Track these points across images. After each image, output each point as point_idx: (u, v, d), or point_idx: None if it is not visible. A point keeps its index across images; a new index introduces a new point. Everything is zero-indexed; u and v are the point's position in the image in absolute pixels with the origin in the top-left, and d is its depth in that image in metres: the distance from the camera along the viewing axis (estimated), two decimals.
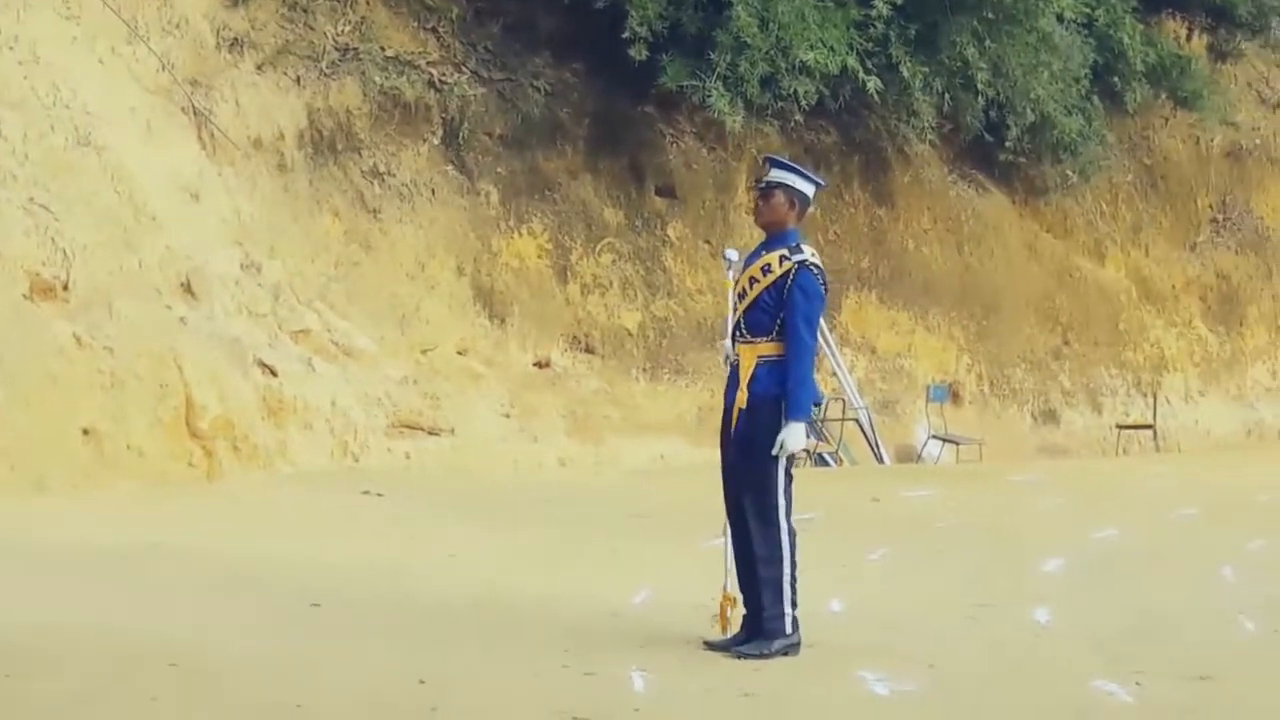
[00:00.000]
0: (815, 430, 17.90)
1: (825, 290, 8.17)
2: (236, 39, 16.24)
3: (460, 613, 8.86)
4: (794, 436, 7.96)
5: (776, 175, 8.27)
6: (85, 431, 12.94)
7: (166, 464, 13.37)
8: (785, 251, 8.10)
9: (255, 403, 14.27)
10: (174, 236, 14.60)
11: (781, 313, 8.02)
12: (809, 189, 8.30)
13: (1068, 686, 7.57)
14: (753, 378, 8.06)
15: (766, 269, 8.12)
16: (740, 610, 8.15)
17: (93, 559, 9.87)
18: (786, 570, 7.97)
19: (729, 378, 8.23)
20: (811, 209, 8.61)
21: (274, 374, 14.57)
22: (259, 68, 16.32)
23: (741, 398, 8.07)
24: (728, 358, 8.33)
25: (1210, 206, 24.03)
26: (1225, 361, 23.36)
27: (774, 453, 7.93)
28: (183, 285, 14.46)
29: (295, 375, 14.79)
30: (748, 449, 8.02)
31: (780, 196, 8.21)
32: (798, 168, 8.45)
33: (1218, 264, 23.73)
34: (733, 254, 8.59)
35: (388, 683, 7.18)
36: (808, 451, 16.85)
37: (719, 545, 8.28)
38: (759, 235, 8.42)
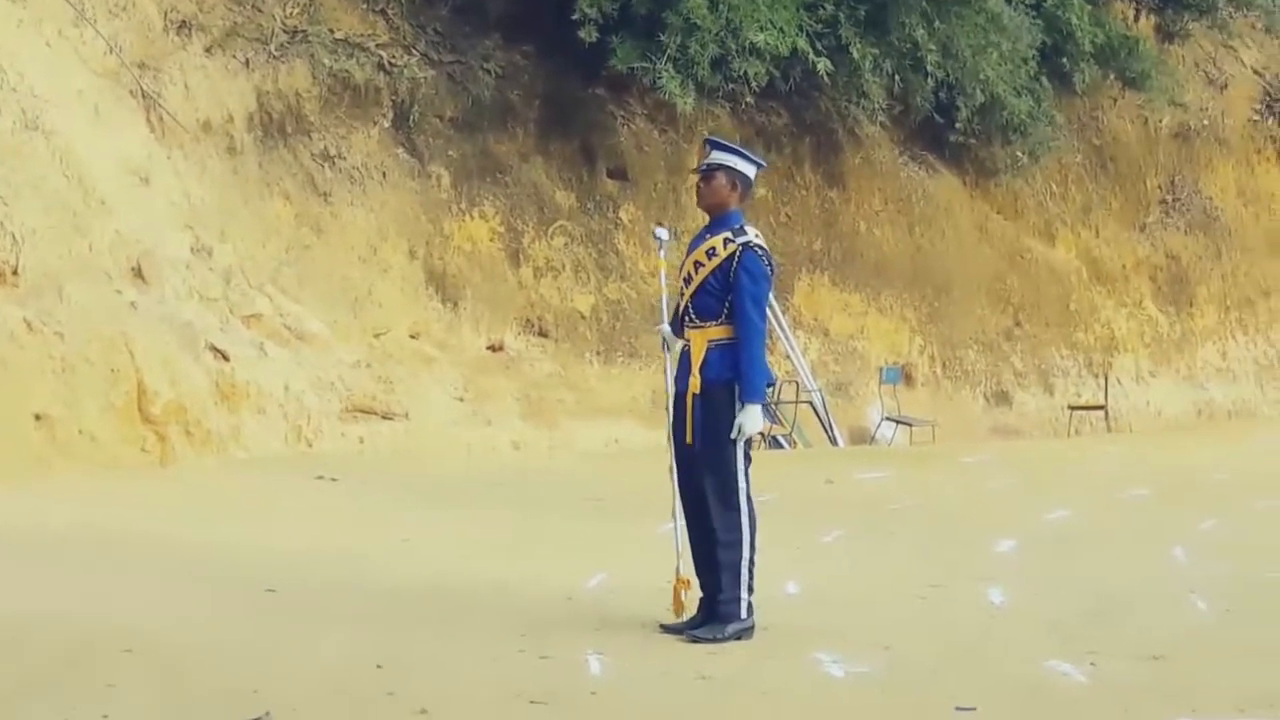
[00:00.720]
0: (769, 413, 17.91)
1: (771, 271, 8.15)
2: (185, 21, 16.16)
3: (416, 597, 8.84)
4: (751, 419, 7.95)
5: (717, 157, 8.25)
6: (37, 417, 12.86)
7: (119, 449, 13.30)
8: (729, 234, 8.09)
9: (208, 387, 14.21)
10: (124, 220, 14.52)
11: (729, 296, 8.01)
12: (750, 170, 8.28)
13: (1022, 667, 7.60)
14: (704, 363, 8.05)
15: (711, 252, 8.10)
16: (696, 593, 8.15)
17: (45, 545, 9.83)
18: (746, 554, 7.97)
19: (679, 363, 8.22)
20: (754, 190, 8.60)
21: (226, 358, 14.52)
22: (207, 50, 16.24)
23: (695, 383, 8.06)
24: (665, 342, 8.34)
25: (1159, 187, 24.14)
26: (1175, 342, 23.48)
27: (732, 437, 7.93)
28: (133, 269, 14.38)
29: (247, 360, 14.73)
30: (706, 434, 8.01)
31: (722, 178, 8.19)
32: (738, 149, 8.44)
33: (1167, 244, 23.84)
34: (663, 233, 8.60)
35: (344, 667, 7.16)
36: (762, 434, 16.86)
37: (673, 529, 8.28)
38: (704, 218, 8.40)
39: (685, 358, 8.17)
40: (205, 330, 14.56)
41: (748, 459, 8.04)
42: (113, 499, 11.83)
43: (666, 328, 8.35)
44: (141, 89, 15.42)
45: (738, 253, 8.03)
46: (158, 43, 15.87)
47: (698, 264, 8.13)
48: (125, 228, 14.48)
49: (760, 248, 8.09)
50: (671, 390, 8.25)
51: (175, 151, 15.50)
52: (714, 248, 8.11)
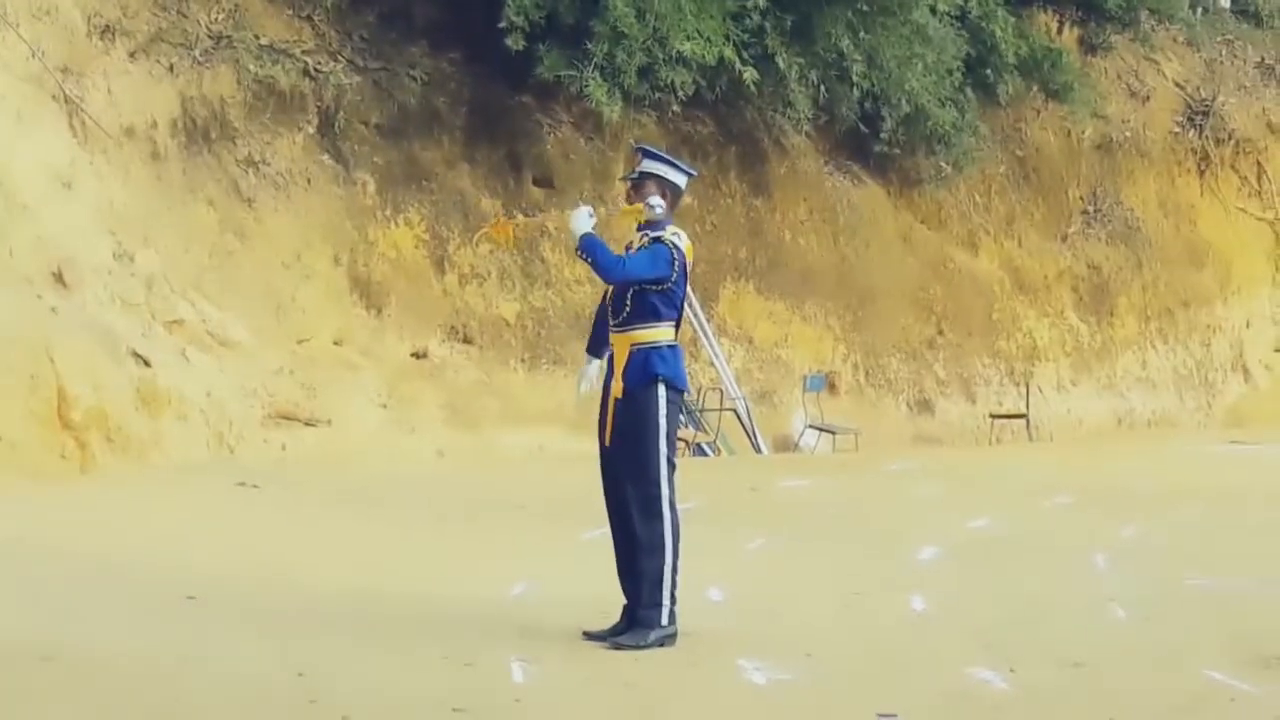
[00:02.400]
0: (694, 420, 17.96)
1: (674, 268, 8.06)
2: (108, 26, 16.05)
3: (338, 605, 8.82)
4: (575, 218, 8.17)
5: (648, 165, 8.27)
6: None
7: (39, 456, 13.17)
8: (648, 230, 8.11)
9: (129, 394, 14.11)
10: (45, 225, 14.41)
11: (648, 297, 8.03)
12: (681, 179, 8.30)
13: (943, 674, 7.65)
14: (627, 366, 8.06)
15: (628, 249, 8.15)
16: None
17: None
18: (669, 561, 7.97)
19: (606, 367, 8.22)
20: (684, 197, 8.60)
21: (148, 364, 14.42)
22: (131, 55, 16.14)
23: (617, 387, 8.07)
24: (584, 375, 8.36)
25: (1081, 199, 24.29)
26: (1096, 351, 23.63)
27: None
28: (54, 275, 14.28)
29: (169, 366, 14.65)
30: (627, 438, 8.01)
31: (651, 186, 8.20)
32: (669, 158, 8.45)
33: (1089, 255, 24.00)
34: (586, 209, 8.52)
35: (266, 675, 7.13)
36: (685, 441, 16.89)
37: (598, 537, 8.28)
38: (633, 228, 8.40)
39: (610, 361, 8.18)
40: (127, 336, 14.46)
41: (671, 465, 8.05)
42: (31, 506, 11.71)
43: (589, 369, 8.37)
44: (64, 94, 15.31)
45: (647, 244, 8.06)
46: (81, 47, 15.76)
47: None
48: (47, 233, 14.38)
49: (672, 244, 8.06)
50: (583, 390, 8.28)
51: (98, 156, 15.40)
52: (631, 243, 8.16)
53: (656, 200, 8.14)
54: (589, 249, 8.03)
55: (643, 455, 8.00)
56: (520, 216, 8.45)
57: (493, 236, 8.25)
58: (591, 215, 8.17)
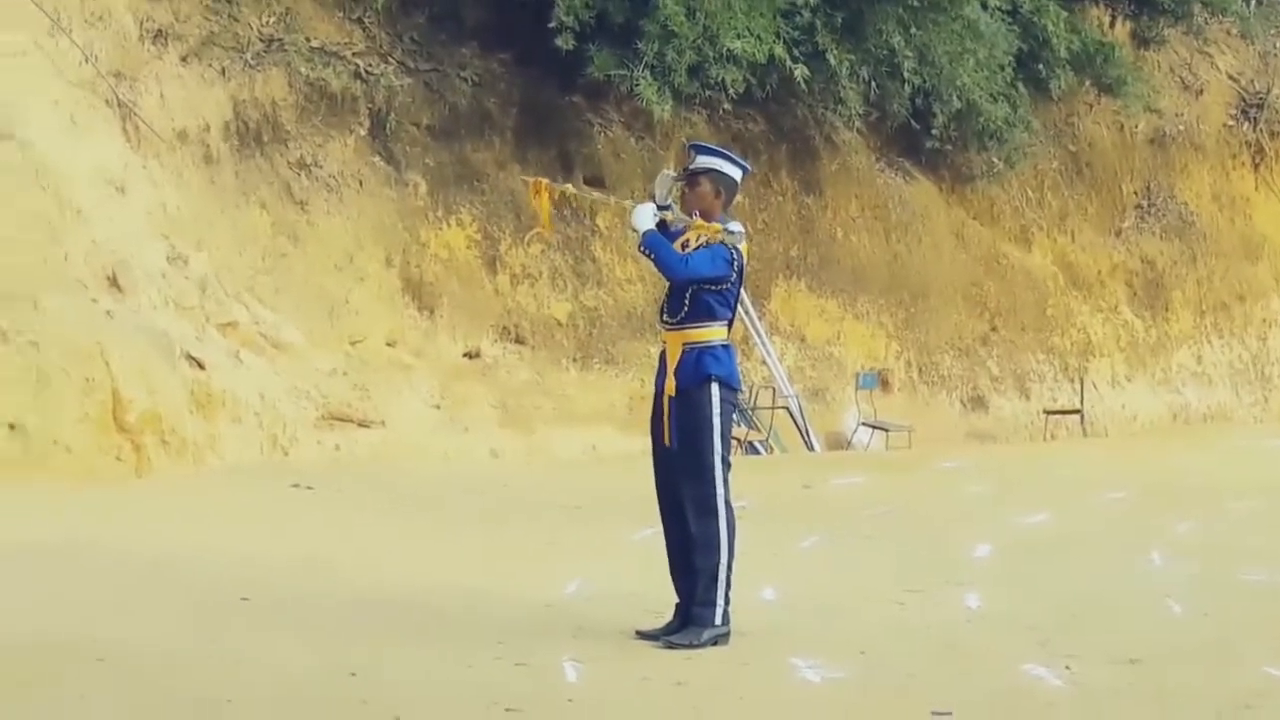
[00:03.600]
0: (746, 418, 17.93)
1: (733, 269, 8.03)
2: (160, 31, 16.11)
3: (391, 605, 8.83)
4: (636, 215, 8.10)
5: (703, 161, 8.22)
6: (11, 427, 12.81)
7: (94, 459, 13.23)
8: (703, 225, 8.07)
9: (183, 396, 14.16)
10: (99, 230, 14.47)
11: (706, 297, 8.01)
12: (736, 174, 8.26)
13: (999, 672, 7.62)
14: (679, 365, 8.05)
15: (685, 246, 8.10)
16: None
17: (19, 556, 9.77)
18: (723, 559, 7.96)
19: (658, 365, 8.22)
20: (739, 196, 8.57)
21: (202, 367, 14.48)
22: (183, 59, 16.21)
23: (670, 385, 8.06)
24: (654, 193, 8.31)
25: (1135, 193, 24.17)
26: (1151, 347, 23.52)
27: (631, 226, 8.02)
28: (109, 279, 14.33)
29: (223, 368, 14.70)
30: (682, 438, 8.00)
31: (706, 184, 8.16)
32: (724, 151, 8.41)
33: (1143, 250, 23.88)
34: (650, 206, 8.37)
35: (318, 676, 7.15)
36: (738, 440, 16.87)
37: (650, 536, 8.27)
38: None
39: (662, 360, 8.17)
40: (181, 339, 14.51)
41: (727, 465, 8.03)
42: (87, 509, 11.78)
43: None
44: (117, 98, 15.38)
45: (708, 243, 8.03)
46: (133, 52, 15.83)
47: None
48: (101, 237, 14.44)
49: (733, 247, 8.03)
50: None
51: (151, 161, 15.46)
52: (688, 241, 8.11)
53: (736, 226, 8.10)
54: (653, 246, 8.01)
55: (697, 454, 7.98)
56: (569, 186, 8.41)
57: (534, 201, 8.24)
58: (656, 214, 8.13)
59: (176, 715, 6.52)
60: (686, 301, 8.04)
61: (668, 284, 8.15)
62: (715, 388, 8.00)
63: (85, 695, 6.68)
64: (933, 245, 21.51)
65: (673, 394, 8.04)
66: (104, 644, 7.42)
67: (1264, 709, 6.96)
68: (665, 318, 8.14)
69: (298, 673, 7.20)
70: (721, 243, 7.99)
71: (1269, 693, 7.23)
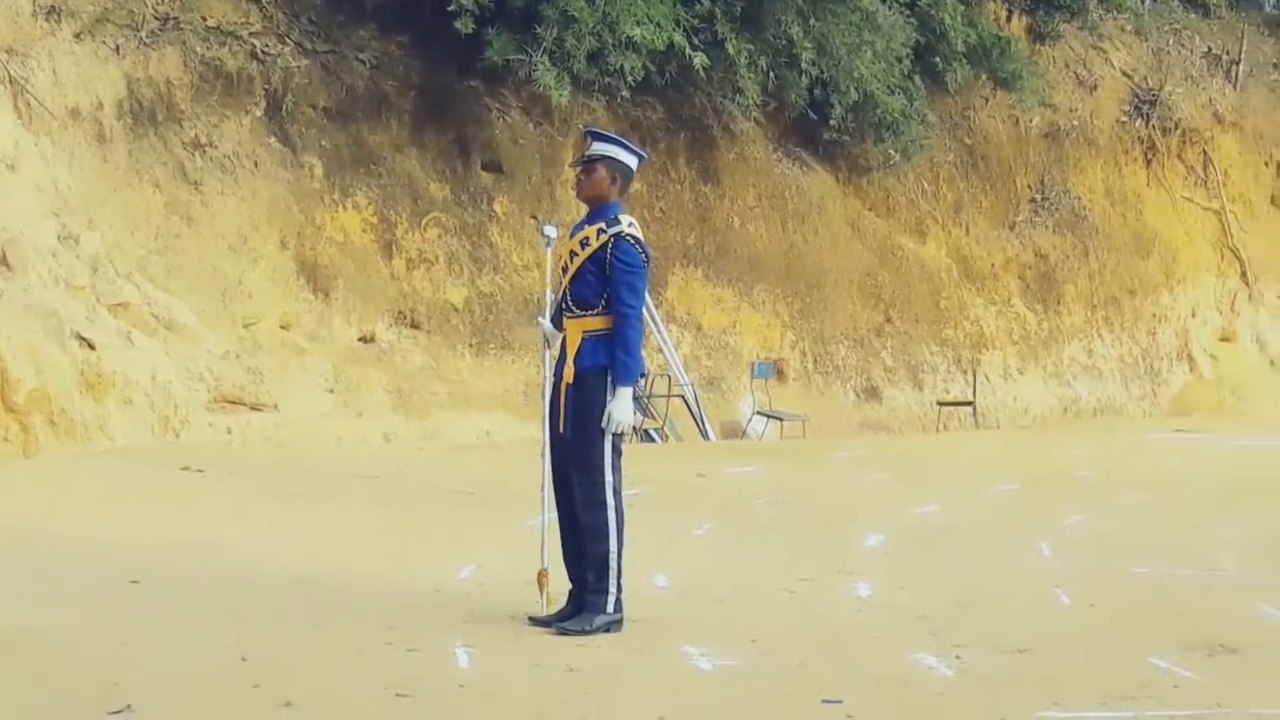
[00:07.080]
0: (641, 406, 17.93)
1: (646, 260, 8.10)
2: (54, 7, 15.94)
3: (283, 590, 8.77)
4: (621, 406, 7.90)
5: (599, 148, 8.22)
6: None
7: None
8: (603, 225, 8.06)
9: (73, 377, 14.02)
10: None
11: (605, 287, 7.99)
12: (632, 161, 8.27)
13: (889, 660, 7.65)
14: (579, 352, 8.03)
15: (585, 243, 8.08)
16: (561, 585, 8.13)
17: None
18: (613, 547, 7.95)
19: (558, 353, 8.20)
20: (634, 183, 8.58)
21: (92, 347, 14.33)
22: (77, 36, 16.03)
23: (568, 372, 8.04)
24: (546, 337, 8.30)
25: (1029, 187, 24.39)
26: (1042, 340, 23.74)
27: (602, 426, 7.90)
28: None
29: (114, 349, 14.55)
30: (575, 424, 7.99)
31: (602, 170, 8.16)
32: (620, 140, 8.41)
33: (1036, 243, 24.10)
34: (551, 230, 8.51)
35: (209, 660, 7.09)
36: (634, 428, 16.86)
37: (541, 522, 8.26)
38: (584, 210, 8.38)
39: (562, 347, 8.16)
40: (71, 319, 14.37)
41: (617, 452, 8.02)
42: None
43: (547, 323, 8.31)
44: (9, 74, 15.20)
45: (610, 243, 8.01)
46: (26, 28, 15.64)
47: (573, 253, 8.11)
48: None
49: (633, 237, 8.04)
50: (549, 382, 8.23)
51: (43, 138, 15.29)
52: (588, 238, 8.09)
53: (627, 220, 8.15)
54: (628, 371, 7.94)
55: (589, 442, 7.97)
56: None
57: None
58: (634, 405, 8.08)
59: (65, 698, 6.44)
60: (604, 297, 8.00)
61: (569, 275, 8.11)
62: (611, 375, 7.99)
63: None
64: (829, 236, 21.61)
65: (570, 381, 8.03)
66: None
67: (1149, 699, 7.03)
68: (570, 308, 8.09)
69: (188, 657, 7.14)
70: (625, 238, 7.99)
71: (1153, 683, 7.30)
